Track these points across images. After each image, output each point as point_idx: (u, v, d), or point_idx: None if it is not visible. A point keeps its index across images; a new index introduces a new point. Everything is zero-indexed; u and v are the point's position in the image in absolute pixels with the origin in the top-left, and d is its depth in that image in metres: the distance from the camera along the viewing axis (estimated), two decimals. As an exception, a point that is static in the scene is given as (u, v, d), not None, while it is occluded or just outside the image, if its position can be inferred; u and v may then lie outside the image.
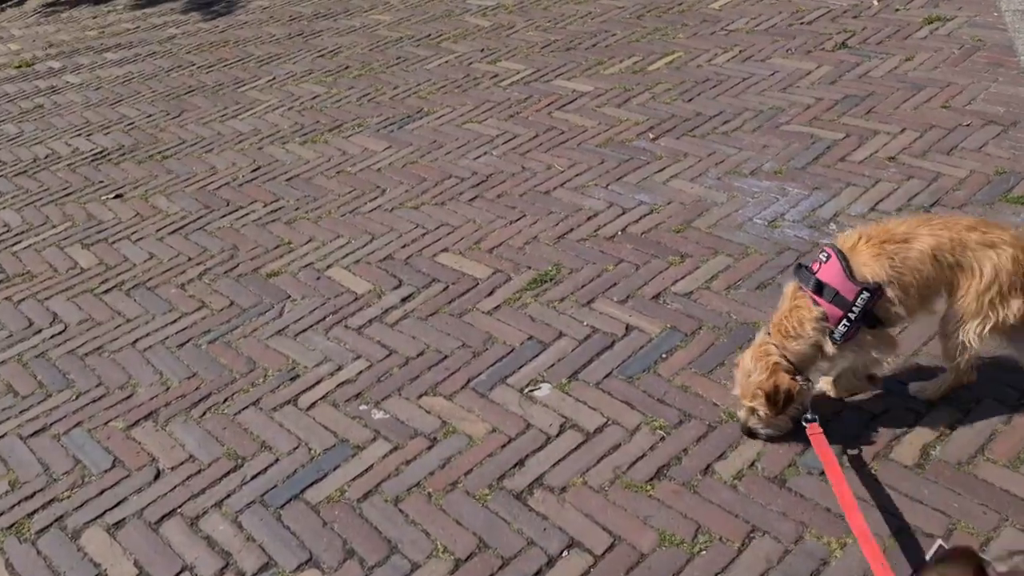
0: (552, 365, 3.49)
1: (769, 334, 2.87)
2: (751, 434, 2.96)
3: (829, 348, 2.80)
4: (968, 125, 4.62)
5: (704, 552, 2.67)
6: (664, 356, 3.43)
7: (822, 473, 2.84)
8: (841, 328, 2.74)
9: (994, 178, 4.18)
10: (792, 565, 2.59)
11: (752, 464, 2.92)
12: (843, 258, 2.72)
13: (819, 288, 2.73)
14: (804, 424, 2.85)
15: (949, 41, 5.55)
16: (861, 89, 5.16)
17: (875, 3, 6.25)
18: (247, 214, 4.97)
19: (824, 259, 2.77)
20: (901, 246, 2.71)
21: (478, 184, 4.87)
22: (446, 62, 6.55)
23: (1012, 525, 2.60)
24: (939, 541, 1.49)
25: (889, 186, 4.25)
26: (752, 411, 2.88)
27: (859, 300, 2.69)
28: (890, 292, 2.71)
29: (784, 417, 2.88)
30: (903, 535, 2.62)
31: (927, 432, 2.93)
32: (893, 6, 6.17)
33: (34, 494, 3.29)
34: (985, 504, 2.67)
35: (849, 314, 2.71)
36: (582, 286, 3.90)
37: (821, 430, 2.81)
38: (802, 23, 6.14)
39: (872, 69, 5.36)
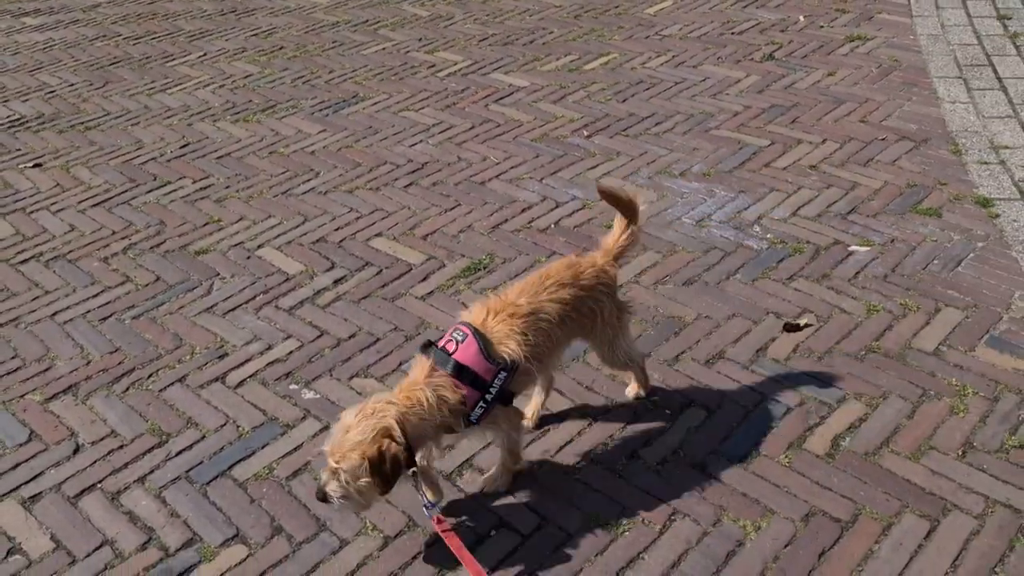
0: (484, 351, 3.54)
1: (393, 402, 2.54)
2: (324, 499, 2.54)
3: (459, 428, 2.64)
4: (884, 139, 4.87)
5: (627, 532, 2.76)
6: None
7: (741, 459, 2.98)
8: (478, 410, 2.61)
9: (906, 190, 4.42)
10: (710, 546, 2.71)
11: (675, 451, 3.04)
12: (480, 337, 2.61)
13: (458, 371, 2.57)
14: (427, 514, 2.60)
15: (868, 59, 5.82)
16: (786, 100, 5.37)
17: (801, 19, 6.51)
18: (175, 190, 4.87)
19: (460, 339, 2.62)
20: (529, 320, 2.68)
21: (413, 171, 4.89)
22: (383, 49, 6.53)
23: (912, 512, 2.77)
24: None
25: (810, 193, 4.45)
26: (335, 473, 2.49)
27: (496, 380, 2.61)
28: (525, 366, 2.66)
29: (375, 493, 2.53)
30: (812, 518, 2.77)
31: (838, 424, 3.10)
32: (818, 23, 6.44)
33: (-56, 466, 3.18)
34: (888, 492, 2.84)
35: (487, 395, 2.61)
36: (515, 276, 3.97)
37: (449, 526, 2.60)
38: (733, 33, 6.34)
39: (797, 81, 5.58)
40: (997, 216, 4.16)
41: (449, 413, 2.58)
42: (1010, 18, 6.29)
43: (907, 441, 3.02)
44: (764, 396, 3.24)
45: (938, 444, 3.00)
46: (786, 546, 2.69)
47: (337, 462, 2.48)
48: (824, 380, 3.28)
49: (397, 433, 2.48)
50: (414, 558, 2.73)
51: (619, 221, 3.02)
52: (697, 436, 3.09)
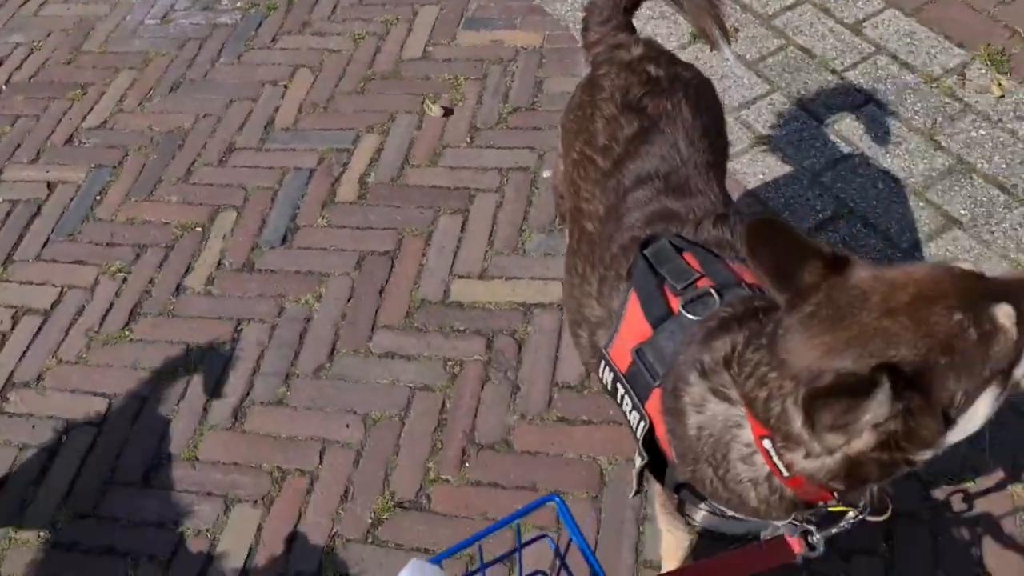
0: (-21, 259, 3.05)
1: None
2: None
3: None
4: None
5: (200, 364, 2.64)
6: (98, 198, 3.16)
7: (284, 242, 2.90)
8: None
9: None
10: (283, 335, 2.67)
11: (218, 264, 2.88)
12: None
13: None
14: None
15: None
16: None
17: None
18: None
19: None
20: None
21: None
22: None
23: (444, 213, 2.90)
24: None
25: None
26: None
27: None
28: None
29: None
30: (364, 263, 2.80)
31: (360, 164, 3.09)
32: None
33: None
34: (421, 205, 2.93)
35: None
36: (-21, 163, 3.38)
37: None
38: None
39: None
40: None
41: None
42: None
43: (423, 151, 3.09)
44: (285, 168, 3.12)
45: (449, 141, 3.11)
46: (349, 300, 2.72)
47: None
48: (336, 128, 3.22)
49: None
50: (-10, 508, 2.43)
51: None
52: (235, 239, 2.94)
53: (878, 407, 1.07)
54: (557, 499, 1.27)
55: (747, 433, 1.35)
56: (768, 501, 1.40)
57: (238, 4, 3.82)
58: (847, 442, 1.15)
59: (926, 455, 1.21)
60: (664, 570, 2.03)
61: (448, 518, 2.24)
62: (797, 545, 1.41)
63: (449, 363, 2.53)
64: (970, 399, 1.14)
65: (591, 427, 2.34)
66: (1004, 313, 1.12)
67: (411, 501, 2.28)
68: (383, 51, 3.48)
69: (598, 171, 1.77)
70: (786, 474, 1.31)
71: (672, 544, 1.95)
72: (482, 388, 2.46)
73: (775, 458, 1.29)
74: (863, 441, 1.15)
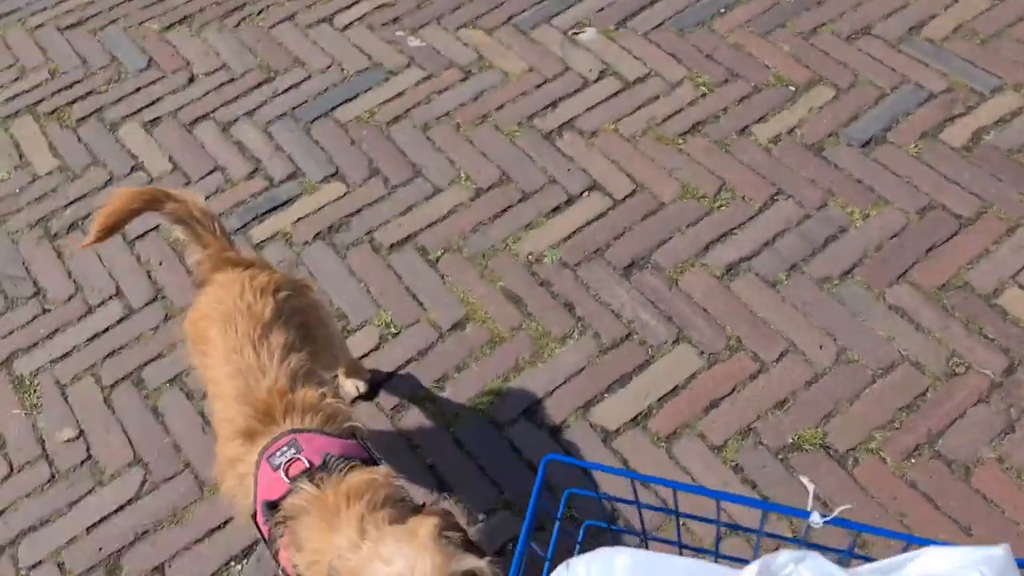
0: (601, 9, 3.27)
1: None
2: None
3: None
4: None
5: (724, 207, 2.65)
6: (723, 10, 3.19)
7: (864, 145, 2.74)
8: None
9: None
10: (810, 228, 2.57)
11: (792, 130, 2.81)
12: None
13: None
14: None
15: None
16: None
17: None
18: None
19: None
20: None
21: None
22: None
23: (1046, 215, 2.52)
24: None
25: None
26: None
27: None
28: None
29: None
30: (930, 212, 2.56)
31: (986, 116, 2.76)
32: None
33: (73, 84, 3.32)
34: (1022, 190, 2.57)
35: None
36: None
37: None
38: None
39: None
40: None
41: None
42: None
43: (1064, 140, 2.67)
44: (906, 79, 2.89)
45: (1100, 147, 2.64)
46: (893, 237, 2.53)
47: None
48: (982, 67, 2.88)
49: None
50: (504, 211, 2.74)
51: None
52: (819, 116, 2.83)
53: None
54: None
55: None
56: None
57: None
58: None
59: None
60: None
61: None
62: None
63: (953, 360, 2.28)
64: None
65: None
66: None
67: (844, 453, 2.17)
68: (1083, 15, 2.99)
69: None
70: None
71: None
72: (974, 405, 2.19)
73: None
74: None
